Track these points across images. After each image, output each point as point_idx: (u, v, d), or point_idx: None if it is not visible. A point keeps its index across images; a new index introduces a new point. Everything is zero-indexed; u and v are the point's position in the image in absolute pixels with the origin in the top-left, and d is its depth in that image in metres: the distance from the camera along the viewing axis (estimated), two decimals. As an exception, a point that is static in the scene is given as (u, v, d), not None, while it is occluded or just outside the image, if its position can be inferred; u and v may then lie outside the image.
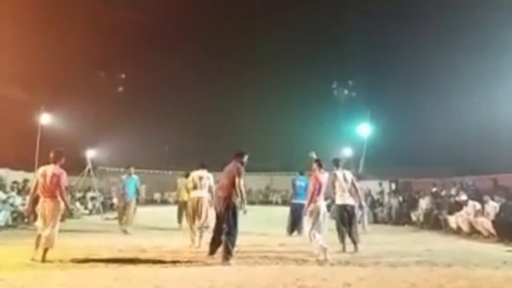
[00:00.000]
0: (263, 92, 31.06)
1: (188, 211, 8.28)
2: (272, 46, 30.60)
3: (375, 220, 13.87)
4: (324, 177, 7.12)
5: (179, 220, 11.46)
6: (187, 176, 9.49)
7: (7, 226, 10.56)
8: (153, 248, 7.61)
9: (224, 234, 6.29)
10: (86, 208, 15.92)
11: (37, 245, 6.21)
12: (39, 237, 6.23)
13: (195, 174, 8.17)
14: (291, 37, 31.52)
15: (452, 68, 20.48)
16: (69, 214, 13.65)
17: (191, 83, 30.95)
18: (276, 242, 8.66)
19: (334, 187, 7.83)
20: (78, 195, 16.51)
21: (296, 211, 10.18)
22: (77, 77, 26.57)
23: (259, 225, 12.45)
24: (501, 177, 12.17)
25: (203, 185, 8.04)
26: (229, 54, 31.81)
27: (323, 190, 7.07)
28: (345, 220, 7.66)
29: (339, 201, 7.77)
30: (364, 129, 21.63)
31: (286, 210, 10.96)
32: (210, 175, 8.27)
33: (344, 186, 7.77)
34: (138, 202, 10.98)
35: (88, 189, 17.77)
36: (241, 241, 6.80)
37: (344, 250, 7.43)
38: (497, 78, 17.53)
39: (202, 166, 8.27)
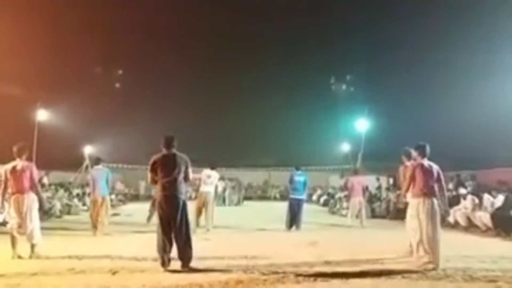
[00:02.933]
0: (261, 87, 31.05)
1: (196, 206, 9.45)
2: (270, 42, 30.62)
3: (373, 215, 13.88)
4: (426, 164, 5.85)
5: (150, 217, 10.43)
6: None
7: (5, 222, 10.50)
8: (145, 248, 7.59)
9: (186, 237, 5.51)
10: (84, 204, 15.87)
11: (13, 245, 6.11)
12: (13, 237, 6.13)
13: (204, 172, 9.62)
14: (289, 32, 31.47)
15: (451, 63, 20.46)
16: (66, 210, 13.79)
17: (189, 79, 30.88)
18: (274, 239, 8.65)
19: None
20: (76, 191, 16.44)
21: (295, 206, 10.20)
22: (74, 73, 26.47)
23: (257, 220, 12.50)
24: (500, 171, 12.20)
25: (211, 182, 9.59)
26: (227, 50, 31.75)
27: (425, 182, 5.74)
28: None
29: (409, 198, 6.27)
30: (362, 124, 21.66)
31: (285, 205, 10.95)
32: (217, 175, 9.90)
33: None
34: (111, 198, 10.91)
35: (86, 185, 17.73)
36: (240, 239, 6.77)
37: (412, 254, 6.18)
38: (497, 73, 17.55)
39: (212, 167, 9.77)
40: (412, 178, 5.83)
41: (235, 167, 27.46)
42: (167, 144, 5.64)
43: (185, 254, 5.49)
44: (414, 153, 6.09)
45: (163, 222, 5.52)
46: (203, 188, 9.56)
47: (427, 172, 5.79)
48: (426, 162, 5.88)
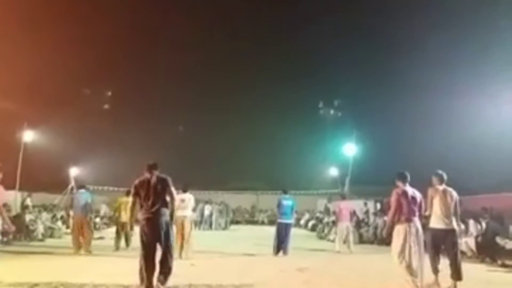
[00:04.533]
0: (249, 111, 31.26)
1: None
2: (259, 67, 31.01)
3: (361, 240, 13.85)
4: (409, 191, 5.97)
5: (117, 243, 10.71)
6: (127, 194, 9.94)
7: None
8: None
9: (169, 256, 5.59)
10: (68, 227, 15.51)
11: None
12: None
13: (178, 197, 8.63)
14: (278, 57, 31.98)
15: (439, 89, 20.88)
16: (50, 233, 13.47)
17: (178, 102, 30.99)
18: (262, 264, 8.54)
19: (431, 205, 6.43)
20: (60, 213, 16.08)
21: (282, 230, 10.12)
22: (62, 94, 26.36)
23: (244, 245, 12.34)
24: (484, 198, 12.30)
25: (185, 206, 9.13)
26: (217, 75, 32.08)
27: (410, 208, 5.84)
28: (438, 247, 6.46)
29: (432, 223, 6.43)
30: (350, 149, 21.83)
31: (272, 230, 10.86)
32: (192, 197, 9.49)
33: (443, 206, 6.41)
34: (90, 220, 10.92)
35: (70, 207, 17.36)
36: (227, 264, 6.67)
37: (436, 283, 6.21)
38: (484, 99, 17.91)
39: (184, 190, 9.42)
40: (399, 206, 5.86)
41: (223, 190, 27.29)
42: (148, 170, 5.80)
43: (165, 265, 5.53)
44: (397, 181, 6.13)
45: (146, 246, 5.50)
46: (178, 213, 9.00)
47: (411, 198, 5.91)
48: (409, 189, 6.00)
